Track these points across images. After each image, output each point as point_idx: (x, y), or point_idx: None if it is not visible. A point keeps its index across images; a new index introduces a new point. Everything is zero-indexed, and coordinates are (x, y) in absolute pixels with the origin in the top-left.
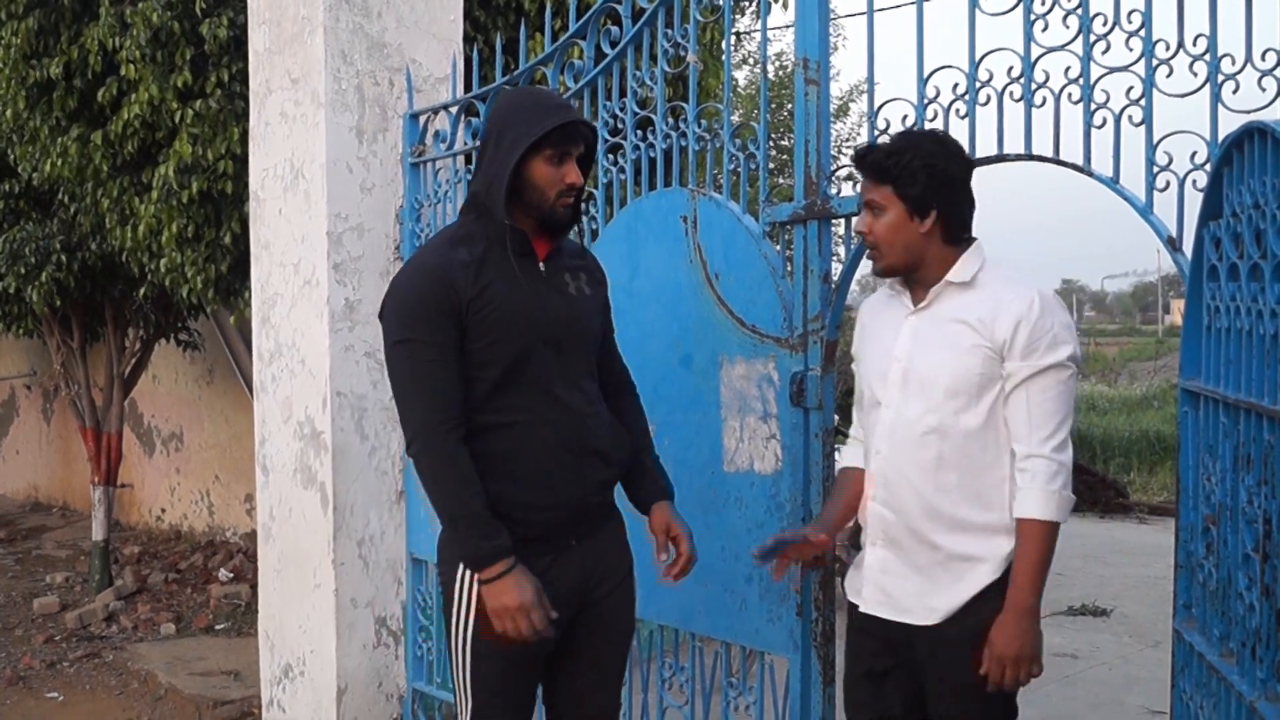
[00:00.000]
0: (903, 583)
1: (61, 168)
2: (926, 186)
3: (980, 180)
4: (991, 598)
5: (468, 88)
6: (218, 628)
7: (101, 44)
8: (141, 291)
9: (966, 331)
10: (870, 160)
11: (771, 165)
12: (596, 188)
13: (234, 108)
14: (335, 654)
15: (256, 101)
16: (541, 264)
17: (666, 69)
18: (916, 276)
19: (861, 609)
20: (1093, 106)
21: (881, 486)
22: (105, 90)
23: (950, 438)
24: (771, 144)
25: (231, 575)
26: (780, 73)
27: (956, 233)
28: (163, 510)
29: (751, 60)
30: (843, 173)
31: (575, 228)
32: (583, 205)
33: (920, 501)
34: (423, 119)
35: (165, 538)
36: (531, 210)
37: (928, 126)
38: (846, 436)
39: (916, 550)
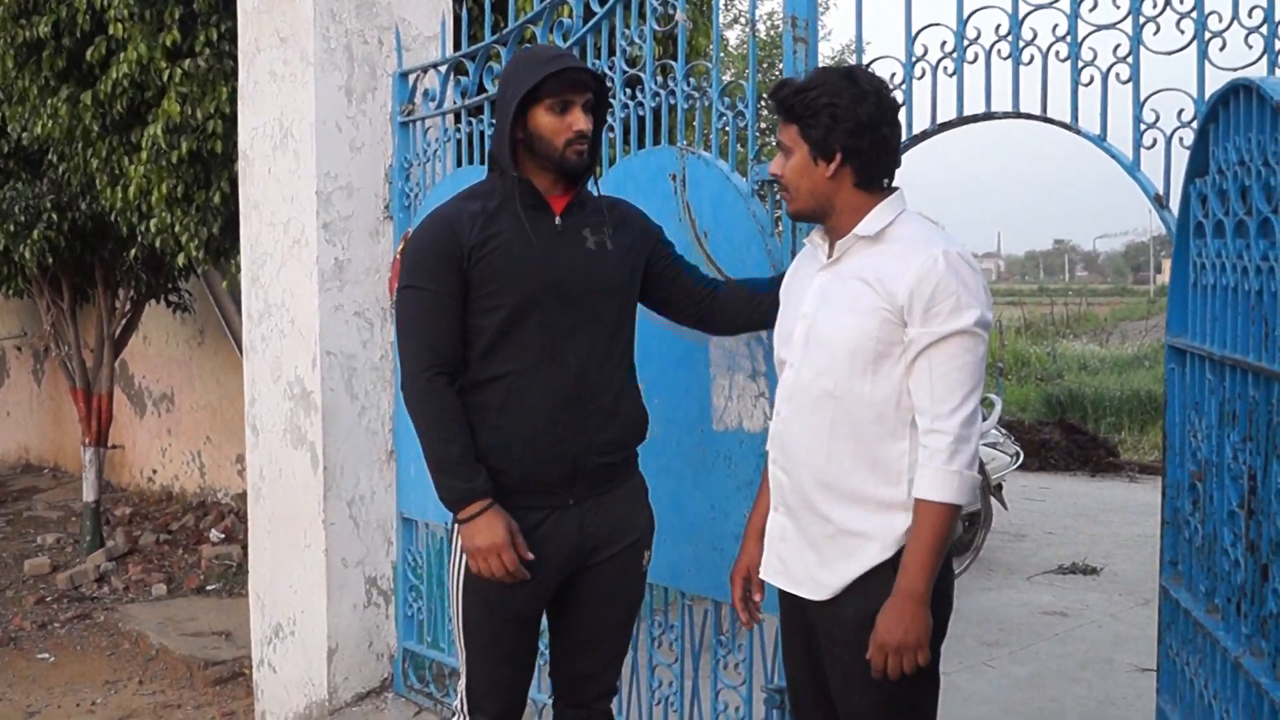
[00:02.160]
0: (798, 553)
1: (51, 128)
2: (829, 129)
3: (969, 138)
4: (885, 577)
5: (457, 46)
6: (209, 588)
7: (90, 3)
8: (132, 252)
9: (866, 291)
10: (779, 98)
11: (762, 124)
12: None
13: (223, 67)
14: (326, 614)
15: (245, 60)
16: (558, 218)
17: (655, 27)
18: (829, 226)
19: (761, 574)
20: (1080, 64)
21: (779, 450)
22: (94, 49)
23: (845, 404)
24: (762, 103)
25: (223, 536)
26: (771, 32)
27: (871, 180)
28: (154, 471)
29: (742, 20)
30: None
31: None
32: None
33: (812, 469)
34: (412, 78)
35: (156, 499)
36: (545, 162)
37: (915, 85)
38: None
39: (809, 520)
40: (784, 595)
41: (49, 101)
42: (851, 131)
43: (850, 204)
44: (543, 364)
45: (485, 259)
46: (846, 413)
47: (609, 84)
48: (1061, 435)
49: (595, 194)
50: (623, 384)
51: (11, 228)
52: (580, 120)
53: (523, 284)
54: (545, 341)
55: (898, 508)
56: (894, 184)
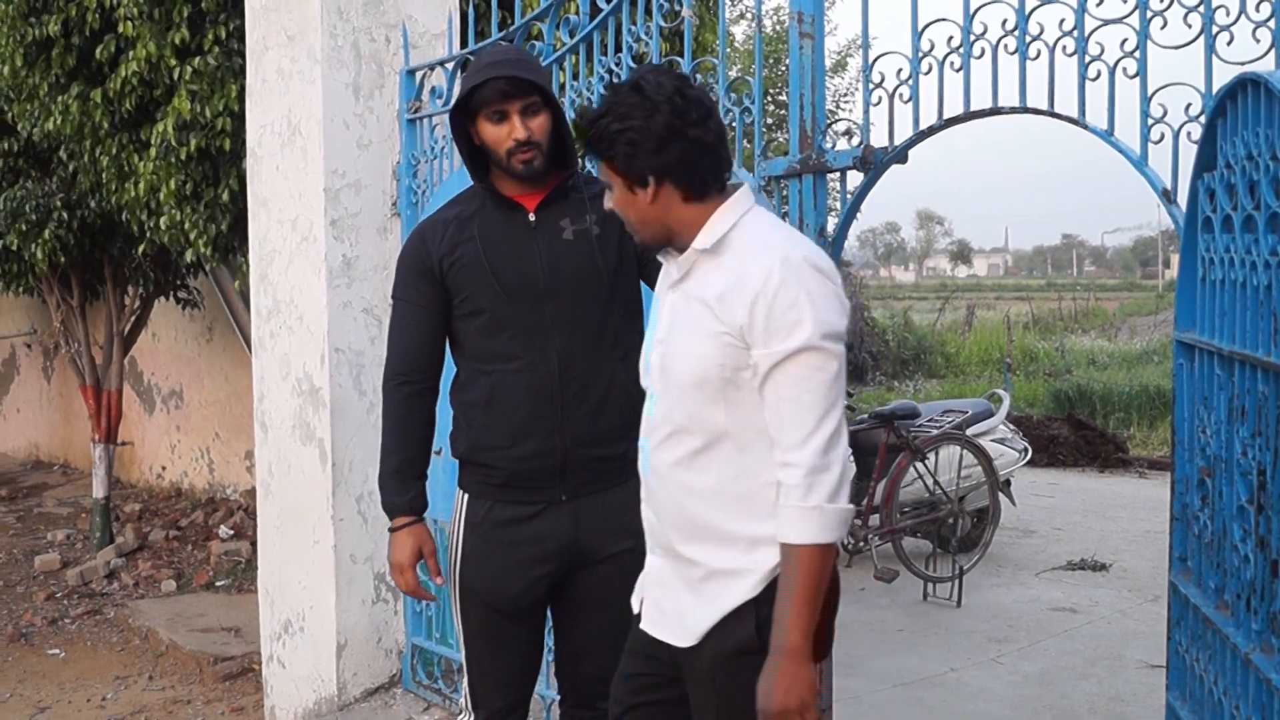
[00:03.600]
0: (670, 596)
1: (61, 125)
2: (630, 155)
3: (977, 133)
4: (744, 614)
5: (464, 43)
6: (218, 584)
7: (99, 1)
8: (141, 249)
9: (706, 315)
10: (578, 131)
11: (769, 120)
12: None
13: (231, 65)
14: (335, 610)
15: (253, 58)
16: (532, 214)
17: (662, 23)
18: (676, 246)
19: (639, 619)
20: (1087, 59)
21: (646, 489)
22: (103, 48)
23: (702, 436)
24: (769, 99)
25: (232, 532)
26: (777, 28)
27: (699, 189)
28: (163, 468)
29: (748, 15)
30: (839, 127)
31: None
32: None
33: (674, 508)
34: (419, 75)
35: (166, 495)
36: (500, 168)
37: (921, 80)
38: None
39: (677, 561)
40: (635, 639)
41: (59, 99)
42: (655, 150)
43: (686, 220)
44: (525, 360)
45: (455, 266)
46: (704, 445)
47: (616, 80)
48: (1070, 431)
49: (583, 180)
50: (615, 373)
51: (22, 226)
52: (518, 129)
53: (494, 285)
54: (526, 338)
55: (768, 542)
56: (732, 181)
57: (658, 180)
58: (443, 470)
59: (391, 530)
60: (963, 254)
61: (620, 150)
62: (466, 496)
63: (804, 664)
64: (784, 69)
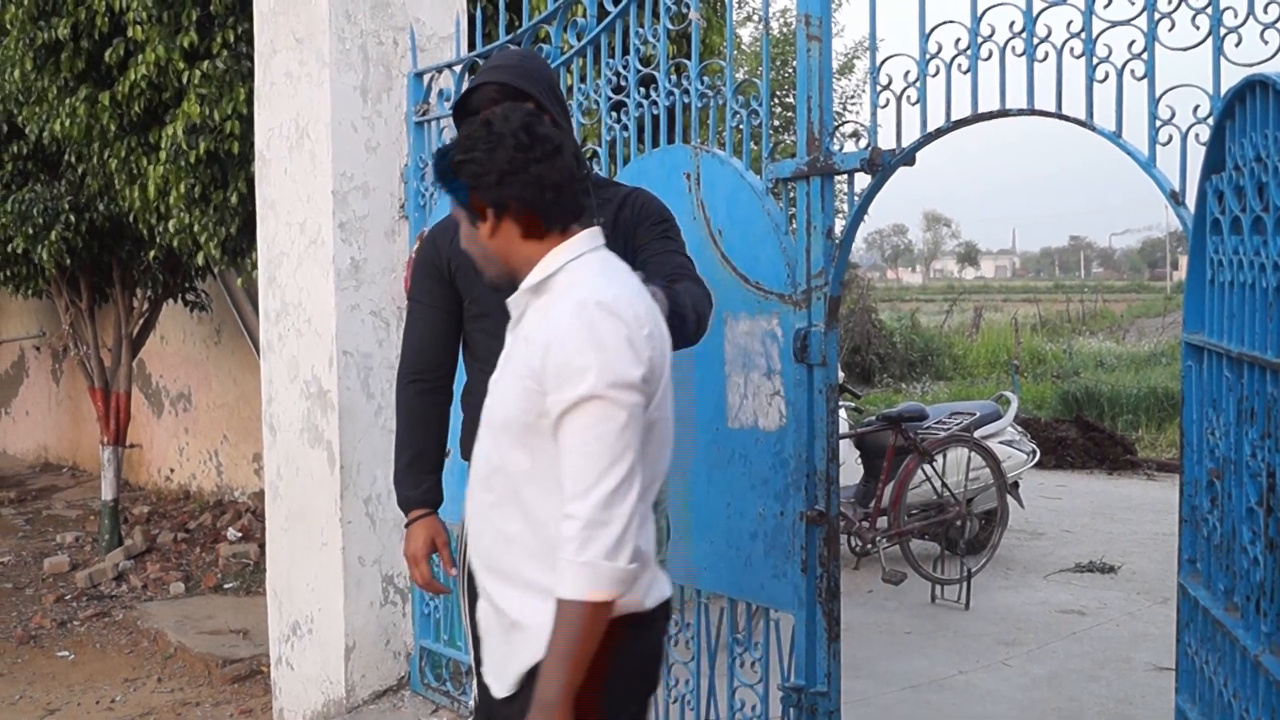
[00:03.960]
0: (492, 642)
1: (70, 128)
2: (472, 188)
3: (984, 135)
4: None
5: (471, 46)
6: (226, 587)
7: (108, 5)
8: (150, 252)
9: (519, 358)
10: (432, 167)
11: (776, 123)
12: (600, 145)
13: (240, 68)
14: (343, 612)
15: (262, 61)
16: None
17: (669, 26)
18: (519, 284)
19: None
20: (1095, 61)
21: (469, 532)
22: (112, 51)
23: (509, 480)
24: (776, 101)
25: (240, 535)
26: (784, 29)
27: (538, 228)
28: (171, 470)
29: (755, 17)
30: (846, 129)
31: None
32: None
33: (486, 551)
34: (427, 78)
35: (174, 497)
36: None
37: (929, 82)
38: (853, 394)
39: (493, 606)
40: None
41: (67, 102)
42: (496, 184)
43: (524, 258)
44: None
45: (463, 268)
46: (512, 491)
47: (623, 82)
48: (1078, 433)
49: (594, 184)
50: None
51: (30, 229)
52: None
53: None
54: None
55: None
56: (579, 223)
57: (497, 215)
58: (450, 472)
59: (407, 524)
60: (970, 256)
61: (462, 181)
62: None
63: (561, 717)
64: (790, 71)
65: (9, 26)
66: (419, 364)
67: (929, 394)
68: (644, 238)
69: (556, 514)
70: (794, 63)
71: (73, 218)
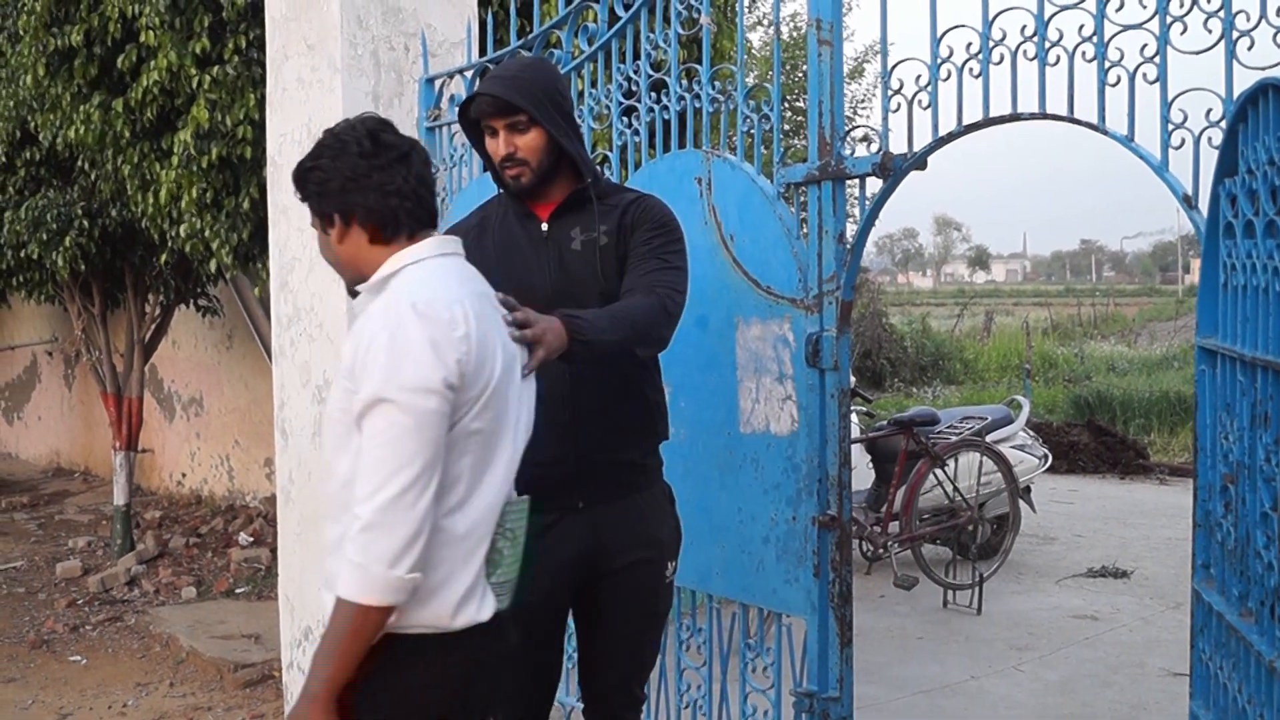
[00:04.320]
0: None
1: (83, 134)
2: (319, 194)
3: (994, 139)
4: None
5: (482, 51)
6: (238, 591)
7: (121, 11)
8: (162, 258)
9: (344, 356)
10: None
11: (787, 127)
12: (611, 150)
13: (251, 74)
14: None
15: (273, 67)
16: (544, 223)
17: (680, 31)
18: None
19: None
20: (1107, 64)
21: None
22: (125, 57)
23: (338, 480)
24: (786, 105)
25: (251, 539)
26: (794, 34)
27: (384, 233)
28: (183, 475)
29: (765, 22)
30: (857, 134)
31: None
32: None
33: (329, 548)
34: (438, 83)
35: (186, 502)
36: (497, 180)
37: (940, 86)
38: (864, 399)
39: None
40: None
41: (81, 108)
42: (340, 189)
43: (372, 263)
44: (541, 367)
45: None
46: (339, 491)
47: (634, 87)
48: (1090, 437)
49: (603, 191)
50: (626, 380)
51: (43, 234)
52: (501, 145)
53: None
54: None
55: None
56: (429, 230)
57: (344, 220)
58: None
59: None
60: (981, 260)
61: (310, 189)
62: None
63: (319, 713)
64: (799, 76)
65: (22, 33)
66: None
67: (940, 398)
68: (634, 247)
69: None
70: (803, 67)
71: (85, 223)
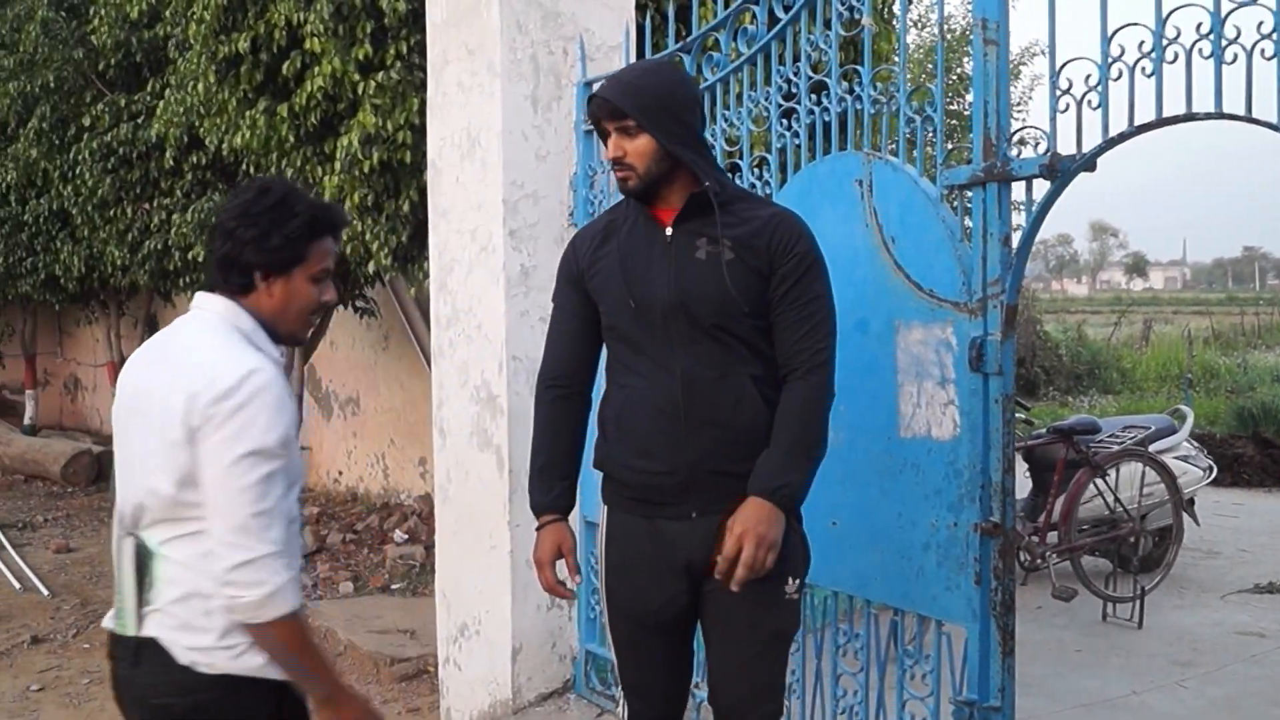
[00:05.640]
0: None
1: (249, 140)
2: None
3: (1152, 140)
4: None
5: (639, 55)
6: (393, 587)
7: (286, 19)
8: None
9: None
10: None
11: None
12: (769, 152)
13: (413, 79)
14: (510, 615)
15: (434, 72)
16: (669, 229)
17: (840, 32)
18: None
19: None
20: None
21: None
22: (290, 64)
23: None
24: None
25: (406, 537)
26: (950, 35)
27: (222, 282)
28: (340, 472)
29: (918, 24)
30: (1018, 136)
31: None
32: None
33: None
34: (595, 87)
35: (342, 499)
36: None
37: (1110, 86)
38: (1023, 406)
39: None
40: None
41: (247, 114)
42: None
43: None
44: (652, 375)
45: (595, 277)
46: None
47: (794, 89)
48: (1255, 450)
49: (728, 198)
50: (741, 393)
51: (209, 237)
52: (611, 148)
53: (624, 299)
54: (653, 355)
55: None
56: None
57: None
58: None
59: (536, 529)
60: (1138, 267)
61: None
62: (606, 509)
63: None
64: (954, 78)
65: (193, 41)
66: (555, 371)
67: (1096, 407)
68: (776, 284)
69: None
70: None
71: None
